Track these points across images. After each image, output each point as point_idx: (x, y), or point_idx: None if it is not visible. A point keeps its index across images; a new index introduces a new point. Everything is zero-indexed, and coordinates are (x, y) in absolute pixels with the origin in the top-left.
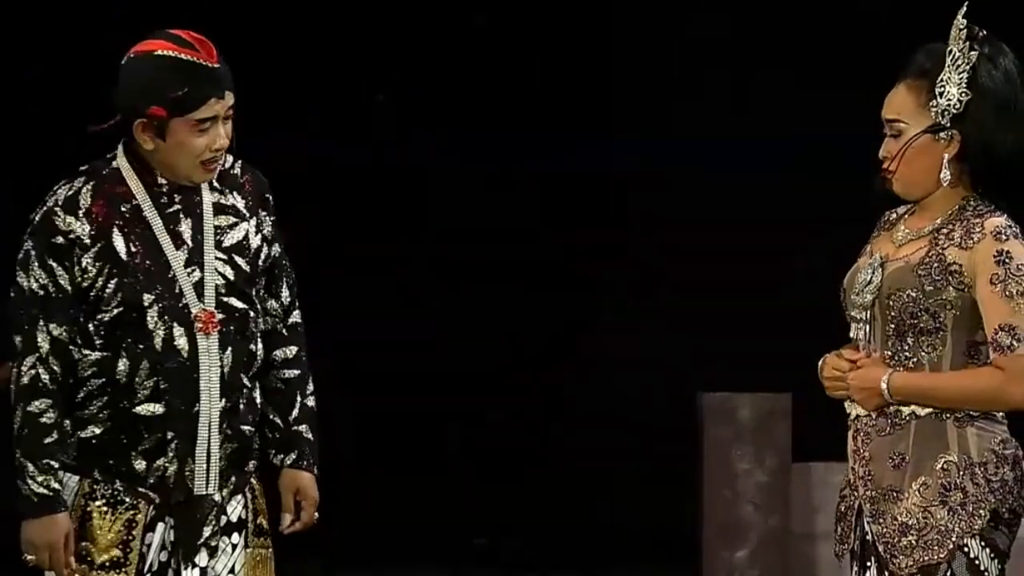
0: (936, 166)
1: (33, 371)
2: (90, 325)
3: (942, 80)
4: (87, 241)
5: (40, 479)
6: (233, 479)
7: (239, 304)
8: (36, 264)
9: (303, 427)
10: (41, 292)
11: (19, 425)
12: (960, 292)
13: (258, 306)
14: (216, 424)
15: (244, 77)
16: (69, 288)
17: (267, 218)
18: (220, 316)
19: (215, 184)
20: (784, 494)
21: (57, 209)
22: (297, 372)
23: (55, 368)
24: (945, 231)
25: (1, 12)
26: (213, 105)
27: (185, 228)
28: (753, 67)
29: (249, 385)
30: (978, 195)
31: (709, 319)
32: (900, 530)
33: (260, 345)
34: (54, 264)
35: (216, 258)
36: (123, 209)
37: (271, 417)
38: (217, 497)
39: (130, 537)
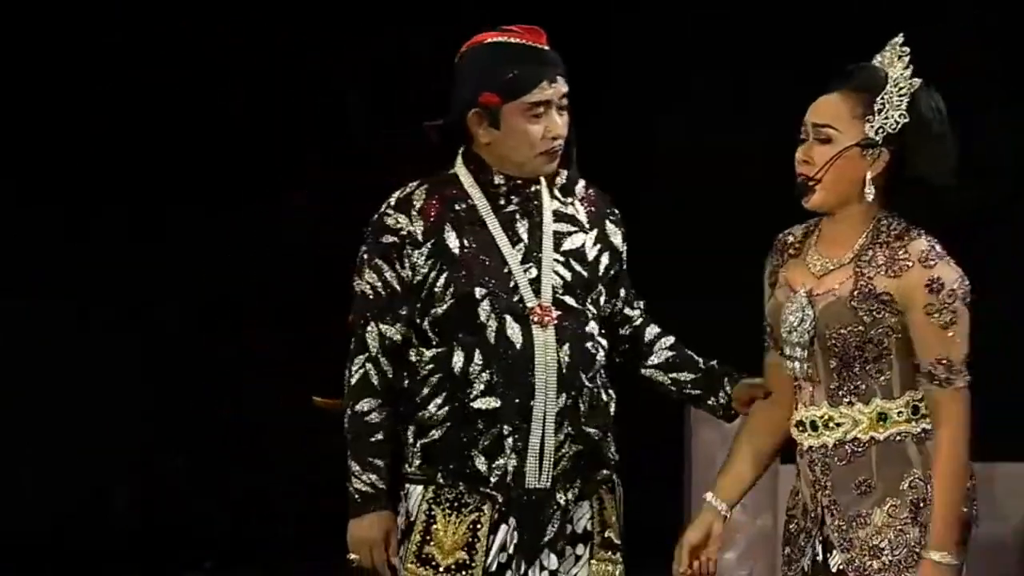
0: (859, 181)
1: (362, 370)
2: (425, 322)
3: (883, 99)
4: (419, 237)
5: (364, 477)
6: (578, 483)
7: (575, 304)
8: (367, 267)
9: (714, 361)
10: (371, 293)
11: (348, 425)
12: (897, 316)
13: (594, 311)
14: (552, 420)
15: (242, 77)
16: (398, 287)
17: (615, 232)
18: (557, 312)
19: (556, 193)
20: (772, 496)
21: (389, 210)
22: (673, 339)
23: (384, 368)
24: (867, 258)
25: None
26: (545, 89)
27: (521, 227)
28: (753, 66)
29: (591, 385)
30: (889, 214)
31: (699, 321)
32: (871, 554)
33: (602, 349)
34: (383, 263)
35: (555, 259)
36: (457, 208)
37: (681, 378)
38: (561, 499)
39: (475, 539)
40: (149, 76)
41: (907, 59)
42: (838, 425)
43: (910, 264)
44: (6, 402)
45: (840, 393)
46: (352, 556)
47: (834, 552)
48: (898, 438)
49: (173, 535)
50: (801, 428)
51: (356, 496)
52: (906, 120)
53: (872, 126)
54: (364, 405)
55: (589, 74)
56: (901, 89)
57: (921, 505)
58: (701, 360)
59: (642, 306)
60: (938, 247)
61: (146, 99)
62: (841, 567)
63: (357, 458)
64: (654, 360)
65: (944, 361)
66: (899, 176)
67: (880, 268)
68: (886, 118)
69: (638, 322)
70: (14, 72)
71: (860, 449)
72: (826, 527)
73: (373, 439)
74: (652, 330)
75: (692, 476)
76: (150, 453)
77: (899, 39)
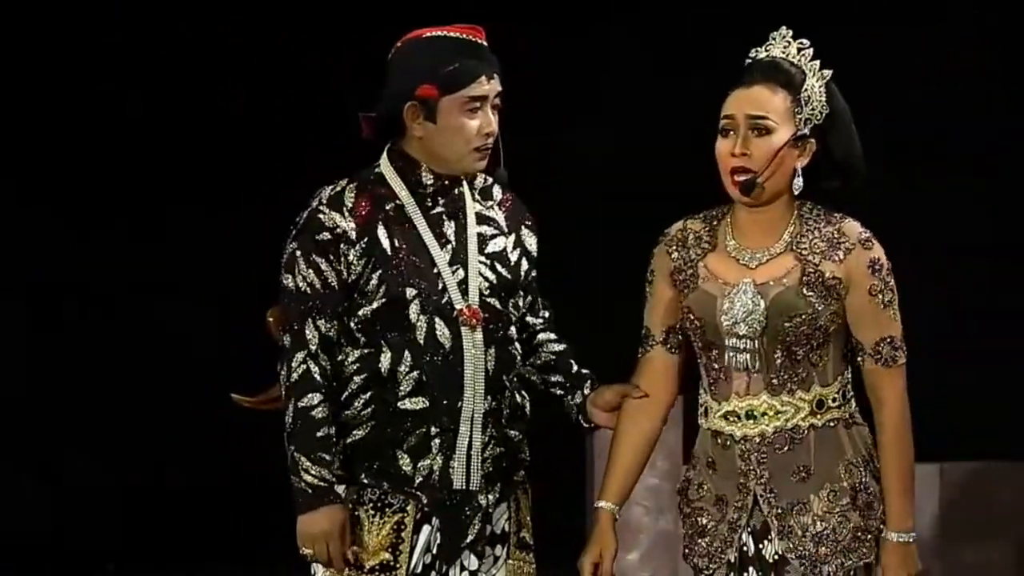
0: (790, 173)
1: (303, 366)
2: (352, 322)
3: (807, 90)
4: (353, 236)
5: (314, 471)
6: (499, 485)
7: (499, 307)
8: (302, 263)
9: (586, 371)
10: (308, 290)
11: (291, 420)
12: (840, 302)
13: (515, 315)
14: (480, 422)
15: (242, 77)
16: (335, 284)
17: (530, 238)
18: (484, 315)
19: (477, 196)
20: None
21: (322, 207)
22: (563, 347)
23: (324, 364)
24: (805, 245)
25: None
26: (483, 84)
27: (448, 229)
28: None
29: (511, 388)
30: (805, 202)
31: (603, 316)
32: (815, 540)
33: (519, 351)
34: (319, 260)
35: (480, 261)
36: (387, 207)
37: (550, 379)
38: (482, 500)
39: (399, 540)
40: (149, 76)
41: (811, 50)
42: (778, 413)
43: (851, 247)
44: (6, 402)
45: (781, 382)
46: (306, 551)
47: (766, 542)
48: (832, 424)
49: (172, 535)
50: (733, 419)
51: (308, 490)
52: (827, 110)
53: (801, 117)
54: (309, 400)
55: (588, 73)
56: (818, 80)
57: (859, 489)
58: (576, 367)
59: (546, 315)
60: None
61: (146, 99)
62: (779, 555)
63: (305, 453)
64: (535, 360)
65: (888, 339)
66: (821, 165)
67: (822, 254)
68: (812, 109)
69: (538, 328)
70: (14, 72)
71: (799, 436)
72: (756, 516)
73: (320, 433)
74: (546, 336)
75: (595, 476)
76: (151, 453)
77: (786, 30)
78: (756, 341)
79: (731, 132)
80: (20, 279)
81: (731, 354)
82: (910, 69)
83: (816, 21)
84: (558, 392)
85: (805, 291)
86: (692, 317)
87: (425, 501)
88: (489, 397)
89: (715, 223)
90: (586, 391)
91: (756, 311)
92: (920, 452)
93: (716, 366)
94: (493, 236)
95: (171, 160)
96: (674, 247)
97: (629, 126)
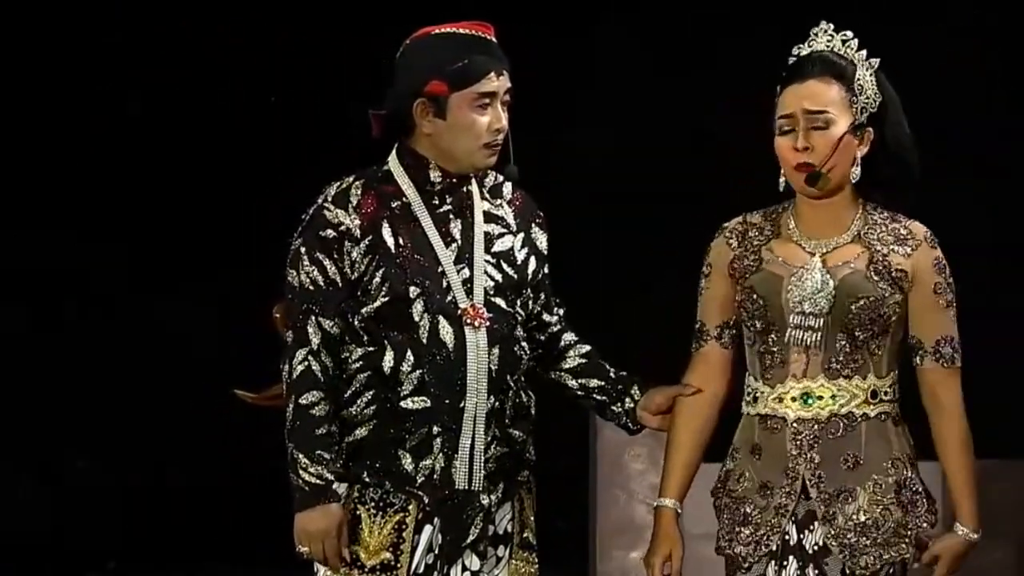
0: (850, 163)
1: (304, 364)
2: (356, 320)
3: (859, 80)
4: (357, 233)
5: (312, 469)
6: (502, 485)
7: (505, 306)
8: (306, 259)
9: (624, 372)
10: (311, 286)
11: (291, 418)
12: (902, 295)
13: (522, 315)
14: (483, 421)
15: (242, 77)
16: (339, 281)
17: (541, 236)
18: (488, 314)
19: (486, 194)
20: None
21: (327, 204)
22: (588, 347)
23: (326, 362)
24: (873, 236)
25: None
26: (493, 80)
27: (455, 227)
28: (753, 66)
29: (516, 388)
30: (867, 200)
31: (603, 316)
32: (858, 530)
33: (525, 352)
34: (323, 257)
35: (485, 260)
36: (392, 205)
37: (589, 384)
38: (485, 500)
39: (400, 540)
40: (149, 76)
41: (855, 42)
42: (835, 398)
43: (918, 243)
44: (6, 402)
45: (840, 366)
46: (302, 549)
47: (808, 532)
48: (883, 417)
49: (172, 535)
50: (789, 401)
51: (305, 488)
52: (880, 98)
53: (857, 106)
54: (308, 398)
55: (588, 73)
56: (868, 69)
57: (904, 485)
58: (612, 369)
59: (561, 313)
60: None
61: (146, 99)
62: (819, 545)
63: (303, 450)
64: (565, 365)
65: (949, 338)
66: (878, 155)
67: (891, 246)
68: (867, 98)
69: (555, 328)
70: (14, 72)
71: (853, 424)
72: (801, 504)
73: (319, 431)
74: (568, 336)
75: (597, 476)
76: (151, 453)
77: (827, 24)
78: (820, 319)
79: (791, 130)
80: (20, 279)
81: (793, 332)
82: (910, 69)
83: (815, 21)
84: (600, 398)
85: (873, 276)
86: (755, 297)
87: (427, 501)
88: (492, 397)
89: (775, 216)
90: (635, 395)
91: (825, 289)
92: (920, 450)
93: (774, 350)
94: (501, 235)
95: (171, 160)
96: (734, 238)
97: (629, 126)
